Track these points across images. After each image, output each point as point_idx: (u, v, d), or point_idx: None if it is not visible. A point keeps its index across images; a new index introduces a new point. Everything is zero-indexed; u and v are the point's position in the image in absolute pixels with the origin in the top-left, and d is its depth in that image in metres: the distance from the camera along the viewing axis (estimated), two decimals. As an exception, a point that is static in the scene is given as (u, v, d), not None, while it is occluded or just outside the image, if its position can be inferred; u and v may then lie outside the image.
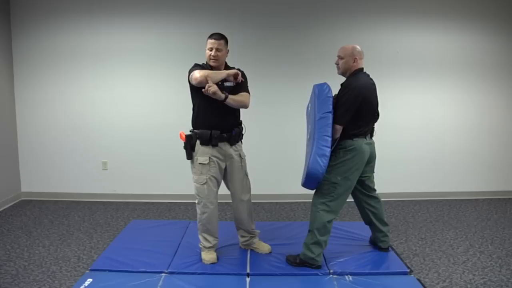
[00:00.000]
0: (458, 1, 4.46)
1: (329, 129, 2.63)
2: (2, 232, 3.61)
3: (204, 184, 2.83)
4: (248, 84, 2.96)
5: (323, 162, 2.58)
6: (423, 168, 4.64)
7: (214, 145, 2.80)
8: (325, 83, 2.75)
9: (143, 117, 4.51)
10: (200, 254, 2.97)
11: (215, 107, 2.75)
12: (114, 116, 4.51)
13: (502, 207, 4.36)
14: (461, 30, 4.50)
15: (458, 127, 4.64)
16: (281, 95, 4.48)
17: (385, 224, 3.05)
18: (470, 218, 4.04)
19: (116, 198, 4.58)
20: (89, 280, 2.63)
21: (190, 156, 2.86)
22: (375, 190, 3.02)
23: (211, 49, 2.76)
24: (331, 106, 2.66)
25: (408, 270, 2.82)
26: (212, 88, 2.63)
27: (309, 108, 2.97)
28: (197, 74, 2.64)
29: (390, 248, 3.12)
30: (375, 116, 2.87)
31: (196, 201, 2.90)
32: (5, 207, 4.31)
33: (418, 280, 2.71)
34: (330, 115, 2.64)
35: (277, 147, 4.55)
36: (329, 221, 2.78)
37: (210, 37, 2.79)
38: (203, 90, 2.65)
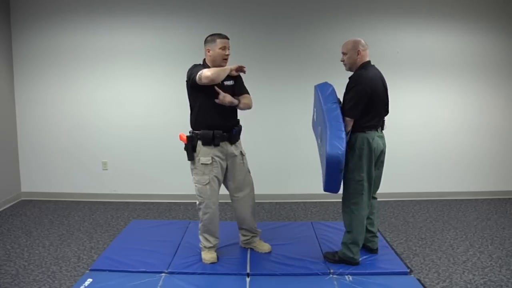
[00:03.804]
0: (458, 1, 4.46)
1: (340, 116, 2.65)
2: (2, 232, 3.61)
3: (206, 184, 2.82)
4: (248, 84, 2.98)
5: (340, 144, 2.53)
6: (423, 168, 4.64)
7: (216, 145, 2.80)
8: (326, 82, 2.85)
9: (143, 117, 4.51)
10: (200, 254, 2.96)
11: (216, 107, 2.76)
12: (114, 116, 4.51)
13: (502, 207, 4.36)
14: (461, 30, 4.50)
15: (457, 127, 4.63)
16: (281, 95, 4.48)
17: (374, 224, 3.02)
18: (470, 218, 4.04)
19: (116, 198, 4.58)
20: (89, 280, 2.64)
21: (191, 157, 2.84)
22: (376, 188, 2.97)
23: (224, 48, 2.75)
24: (336, 98, 2.75)
25: (408, 270, 2.82)
26: (227, 98, 2.72)
27: (314, 115, 3.01)
28: (208, 72, 2.60)
29: (381, 249, 3.08)
30: (385, 108, 2.86)
31: (197, 202, 2.88)
32: (5, 207, 4.31)
33: (418, 280, 2.71)
34: (337, 105, 2.71)
35: (277, 147, 4.55)
36: (365, 217, 2.82)
37: (220, 36, 2.77)
38: (216, 100, 2.71)
